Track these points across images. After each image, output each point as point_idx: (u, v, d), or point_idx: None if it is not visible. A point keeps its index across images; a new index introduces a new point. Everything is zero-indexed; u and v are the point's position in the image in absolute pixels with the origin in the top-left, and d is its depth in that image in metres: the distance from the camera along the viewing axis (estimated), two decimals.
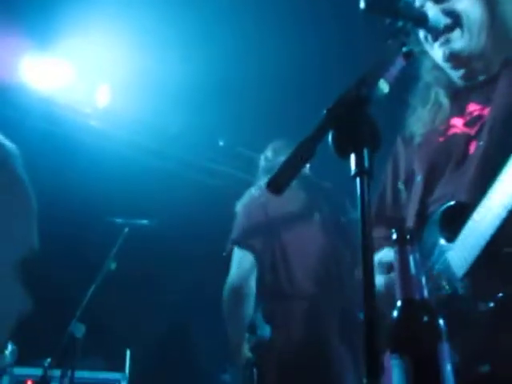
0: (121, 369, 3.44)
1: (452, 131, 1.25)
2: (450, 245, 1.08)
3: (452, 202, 1.12)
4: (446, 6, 1.23)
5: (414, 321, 0.69)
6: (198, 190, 4.44)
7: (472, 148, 1.17)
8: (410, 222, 1.25)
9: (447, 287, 1.07)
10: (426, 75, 1.36)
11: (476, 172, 1.10)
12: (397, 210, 1.37)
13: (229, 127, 4.22)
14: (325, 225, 2.46)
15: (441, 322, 0.69)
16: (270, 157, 2.72)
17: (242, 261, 2.47)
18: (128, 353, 3.51)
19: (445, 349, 0.67)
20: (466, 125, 1.23)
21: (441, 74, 1.33)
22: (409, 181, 1.32)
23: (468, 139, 1.19)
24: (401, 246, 0.75)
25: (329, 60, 3.01)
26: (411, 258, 0.74)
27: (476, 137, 1.18)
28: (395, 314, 0.71)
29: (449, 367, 0.67)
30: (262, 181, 2.66)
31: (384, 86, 0.99)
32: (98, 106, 3.86)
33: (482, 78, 1.27)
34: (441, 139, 1.25)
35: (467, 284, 1.03)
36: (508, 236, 0.96)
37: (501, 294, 0.94)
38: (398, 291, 0.73)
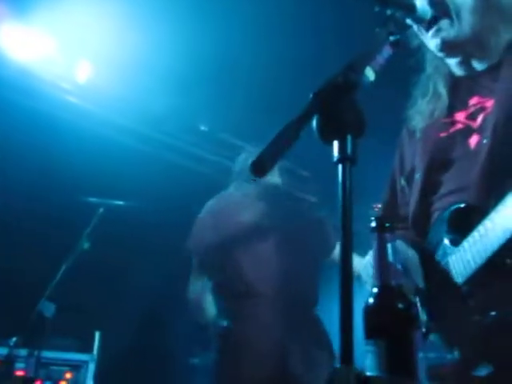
0: (89, 350, 3.41)
1: (454, 128, 1.21)
2: (455, 248, 1.07)
3: (462, 205, 1.09)
4: None
5: (390, 307, 0.70)
6: (178, 175, 4.39)
7: (473, 141, 1.14)
8: (411, 218, 1.22)
9: None
10: (429, 66, 1.32)
11: (483, 172, 1.07)
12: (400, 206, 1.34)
13: (213, 112, 4.17)
14: (281, 240, 2.48)
15: (414, 309, 0.70)
16: (242, 161, 2.75)
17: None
18: (97, 335, 3.48)
19: (418, 335, 0.68)
20: (468, 118, 1.19)
21: (440, 64, 1.30)
22: (410, 177, 1.29)
23: (470, 132, 1.16)
24: (379, 233, 0.75)
25: (319, 48, 2.99)
26: (389, 246, 0.74)
27: (478, 130, 1.14)
28: (371, 300, 0.72)
29: (421, 354, 0.67)
30: (232, 186, 2.68)
31: (370, 74, 0.99)
32: (78, 82, 3.75)
33: (483, 66, 1.23)
34: (442, 134, 1.22)
35: (465, 291, 1.03)
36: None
37: (493, 313, 0.95)
38: (374, 278, 0.74)
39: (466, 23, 1.18)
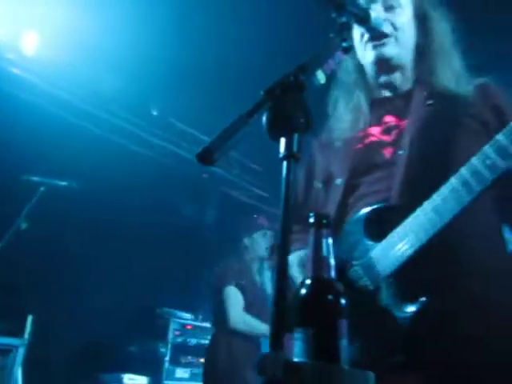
0: (20, 335, 3.28)
1: (369, 139, 1.32)
2: (377, 244, 1.14)
3: (380, 204, 1.18)
4: (388, 15, 1.30)
5: (320, 298, 0.74)
6: (125, 158, 4.30)
7: (387, 152, 1.26)
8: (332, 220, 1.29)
9: (369, 283, 1.13)
10: (345, 75, 1.43)
11: (402, 180, 1.16)
12: (308, 207, 1.40)
13: (164, 97, 4.11)
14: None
15: (343, 301, 0.75)
16: None
17: None
18: (30, 318, 3.35)
19: (344, 325, 0.73)
20: (382, 133, 1.31)
21: (360, 78, 1.41)
22: (327, 182, 1.37)
23: (384, 145, 1.28)
24: (317, 228, 0.80)
25: (273, 43, 3.03)
26: (324, 241, 0.79)
27: (391, 144, 1.26)
28: (303, 290, 0.76)
29: (345, 342, 0.72)
30: None
31: (321, 77, 1.03)
32: (24, 54, 3.56)
33: (397, 91, 1.36)
34: (359, 146, 1.32)
35: (391, 284, 1.09)
36: (438, 243, 1.03)
37: (423, 299, 1.01)
38: (308, 270, 0.78)
39: (405, 53, 1.32)
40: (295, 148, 0.82)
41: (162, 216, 4.52)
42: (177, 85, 3.70)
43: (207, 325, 4.28)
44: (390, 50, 1.29)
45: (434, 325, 1.01)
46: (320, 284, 0.76)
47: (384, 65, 1.32)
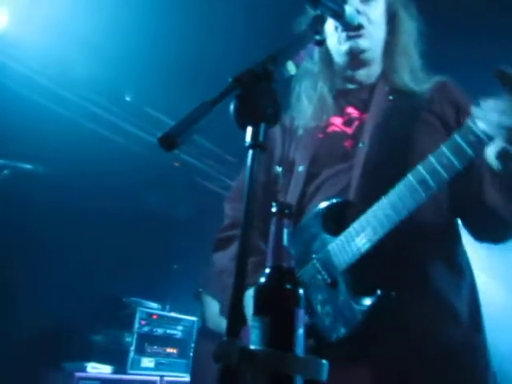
0: None
1: (331, 129, 1.35)
2: (334, 238, 1.15)
3: (339, 199, 1.19)
4: (363, 8, 1.32)
5: (278, 286, 0.75)
6: (95, 143, 4.21)
7: (348, 144, 1.28)
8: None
9: (327, 277, 1.15)
10: (310, 65, 1.44)
11: (361, 174, 1.19)
12: (264, 192, 1.40)
13: (139, 83, 4.03)
14: None
15: (301, 291, 0.76)
16: None
17: None
18: None
19: (301, 314, 0.74)
20: (344, 124, 1.34)
21: (325, 69, 1.43)
22: (288, 169, 1.38)
23: (346, 137, 1.30)
24: (279, 217, 0.80)
25: (248, 31, 3.01)
26: (286, 231, 0.79)
27: (353, 136, 1.29)
28: (262, 279, 0.76)
29: (301, 331, 0.73)
30: None
31: (292, 68, 1.03)
32: None
33: (362, 84, 1.39)
34: (320, 135, 1.35)
35: (348, 277, 1.11)
36: (395, 237, 1.05)
37: (378, 292, 1.03)
38: (268, 259, 0.78)
39: (374, 48, 1.35)
40: (261, 138, 0.82)
41: (132, 203, 4.46)
42: (152, 71, 3.63)
43: (175, 315, 4.26)
44: (364, 42, 1.32)
45: (387, 318, 1.03)
46: (279, 273, 0.76)
47: (356, 57, 1.34)
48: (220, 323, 3.19)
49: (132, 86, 4.19)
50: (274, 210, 0.81)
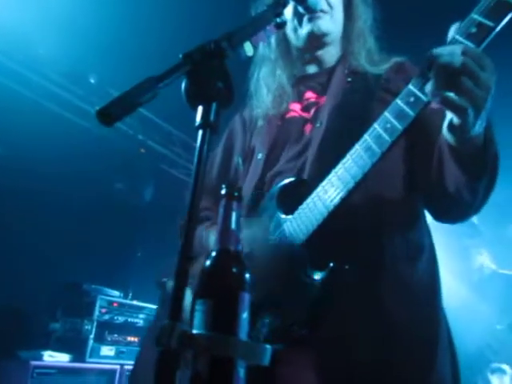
0: None
1: (290, 114, 1.36)
2: (288, 217, 1.15)
3: (292, 178, 1.19)
4: None
5: (224, 269, 0.73)
6: (58, 125, 4.07)
7: (307, 129, 1.29)
8: (249, 195, 1.29)
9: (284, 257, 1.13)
10: (267, 51, 1.44)
11: (316, 152, 1.19)
12: (222, 181, 1.40)
13: (103, 65, 3.91)
14: None
15: (247, 274, 0.74)
16: None
17: None
18: None
19: (246, 298, 0.73)
20: (302, 109, 1.34)
21: (283, 55, 1.43)
22: (248, 157, 1.38)
23: (304, 121, 1.31)
24: (228, 200, 0.78)
25: (216, 14, 2.95)
26: (234, 214, 0.78)
27: (311, 120, 1.29)
28: (208, 262, 0.74)
29: (246, 315, 0.72)
30: None
31: (249, 49, 1.00)
32: None
33: (322, 68, 1.40)
34: (279, 123, 1.35)
35: (303, 253, 1.10)
36: (349, 213, 1.05)
37: (331, 264, 1.02)
38: (216, 242, 0.76)
39: (335, 32, 1.36)
40: (212, 117, 0.79)
41: (96, 189, 4.34)
42: (117, 53, 3.52)
43: (136, 303, 4.20)
44: (326, 25, 1.32)
45: (340, 294, 1.03)
46: (225, 256, 0.74)
47: (317, 39, 1.34)
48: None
49: (96, 67, 4.06)
50: (222, 192, 0.79)
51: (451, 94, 0.85)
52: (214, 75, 0.80)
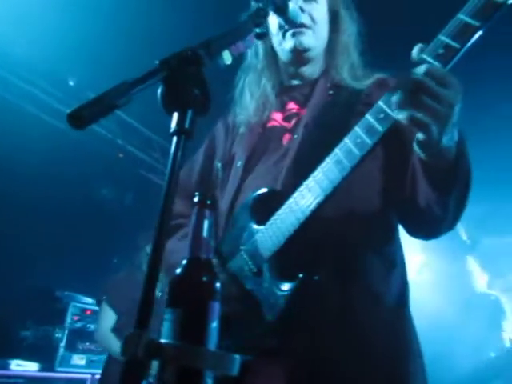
0: None
1: (271, 123, 1.37)
2: (261, 228, 1.15)
3: (265, 189, 1.19)
4: (307, 7, 1.33)
5: (194, 278, 0.72)
6: (36, 128, 3.99)
7: (285, 139, 1.30)
8: (227, 203, 1.29)
9: (253, 266, 1.14)
10: (254, 61, 1.46)
11: (292, 163, 1.20)
12: (203, 186, 1.42)
13: (83, 68, 3.86)
14: None
15: (218, 284, 0.73)
16: None
17: None
18: None
19: (216, 308, 0.72)
20: (284, 119, 1.36)
21: (269, 65, 1.45)
22: (228, 164, 1.38)
23: (284, 131, 1.32)
24: (200, 208, 0.77)
25: (200, 18, 2.96)
26: (206, 222, 0.77)
27: (291, 130, 1.30)
28: (178, 270, 0.73)
29: (215, 324, 0.71)
30: None
31: (227, 57, 1.00)
32: None
33: (305, 81, 1.41)
34: (260, 131, 1.36)
35: (271, 265, 1.10)
36: (317, 224, 1.05)
37: (301, 275, 1.02)
38: (187, 250, 0.76)
39: (318, 46, 1.37)
40: (187, 124, 0.79)
41: (72, 194, 4.27)
42: (96, 56, 3.49)
43: None
44: (308, 40, 1.34)
45: (310, 304, 1.03)
46: (196, 264, 0.73)
47: (300, 54, 1.36)
48: (108, 339, 3.00)
49: (75, 70, 4.01)
50: (195, 199, 0.78)
51: (414, 111, 0.87)
52: (191, 82, 0.80)
